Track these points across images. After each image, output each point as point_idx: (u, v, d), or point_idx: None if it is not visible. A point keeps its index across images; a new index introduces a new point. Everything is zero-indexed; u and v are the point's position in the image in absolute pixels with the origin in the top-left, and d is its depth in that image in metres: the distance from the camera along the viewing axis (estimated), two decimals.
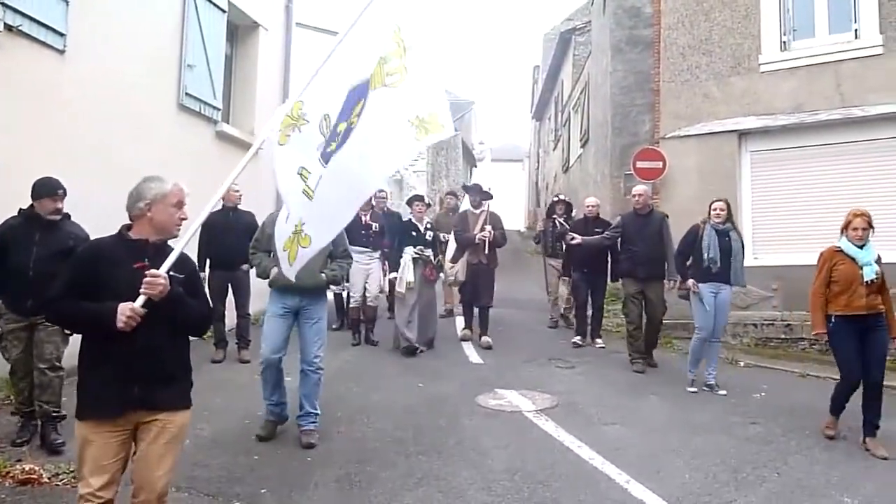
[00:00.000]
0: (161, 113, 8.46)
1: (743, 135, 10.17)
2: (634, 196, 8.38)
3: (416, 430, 5.61)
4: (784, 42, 9.93)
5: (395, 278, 8.48)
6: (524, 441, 5.44)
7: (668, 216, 8.36)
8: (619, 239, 8.37)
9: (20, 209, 5.02)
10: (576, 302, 9.74)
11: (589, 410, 6.29)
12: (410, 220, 8.86)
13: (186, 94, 8.81)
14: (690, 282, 7.18)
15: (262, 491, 4.39)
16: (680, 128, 10.57)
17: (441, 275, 9.10)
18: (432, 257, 8.71)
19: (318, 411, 5.42)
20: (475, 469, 4.80)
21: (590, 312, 9.57)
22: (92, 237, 4.31)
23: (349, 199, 3.71)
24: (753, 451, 5.27)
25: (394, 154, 3.67)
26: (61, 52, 6.69)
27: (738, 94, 10.12)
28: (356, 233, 8.49)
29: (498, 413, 6.20)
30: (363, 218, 8.93)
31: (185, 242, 3.09)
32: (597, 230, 9.07)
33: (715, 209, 7.20)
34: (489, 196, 9.36)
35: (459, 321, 10.05)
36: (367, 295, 8.96)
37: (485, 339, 9.07)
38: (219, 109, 9.65)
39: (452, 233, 9.45)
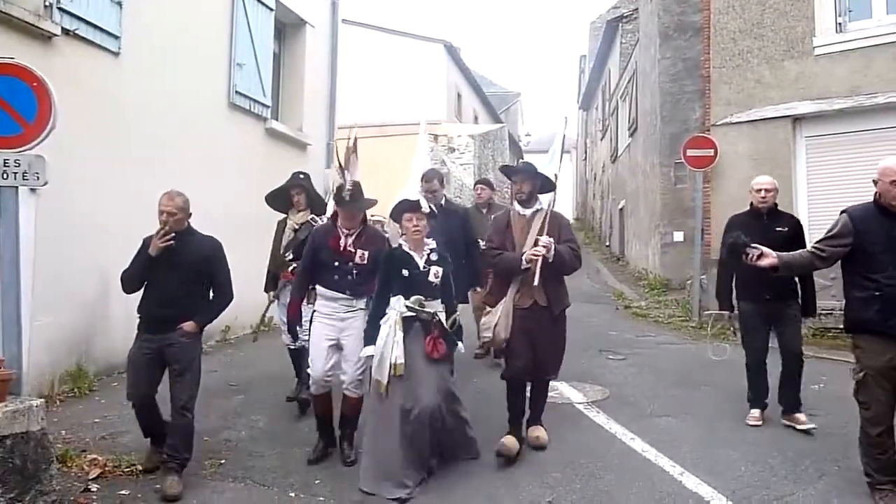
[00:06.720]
0: (212, 111, 8.65)
1: (797, 120, 9.88)
2: (884, 178, 4.02)
3: None
4: (839, 24, 9.61)
5: (370, 357, 4.50)
6: (576, 433, 5.42)
7: None
8: (847, 256, 4.20)
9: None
10: (749, 354, 5.61)
11: (641, 402, 6.23)
12: (401, 246, 4.70)
13: (237, 92, 8.99)
14: None
15: (316, 482, 4.47)
16: (731, 114, 10.33)
17: (460, 345, 4.77)
18: (442, 316, 4.64)
19: None
20: (527, 461, 4.80)
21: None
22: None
23: None
24: (812, 443, 5.15)
25: None
26: (116, 54, 6.88)
27: (792, 79, 9.84)
28: (327, 266, 4.80)
29: (549, 405, 6.15)
30: (343, 240, 4.79)
31: None
32: (778, 230, 5.36)
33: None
34: (549, 186, 5.09)
35: None
36: (344, 377, 4.79)
37: (538, 434, 5.10)
38: (268, 107, 9.82)
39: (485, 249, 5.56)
